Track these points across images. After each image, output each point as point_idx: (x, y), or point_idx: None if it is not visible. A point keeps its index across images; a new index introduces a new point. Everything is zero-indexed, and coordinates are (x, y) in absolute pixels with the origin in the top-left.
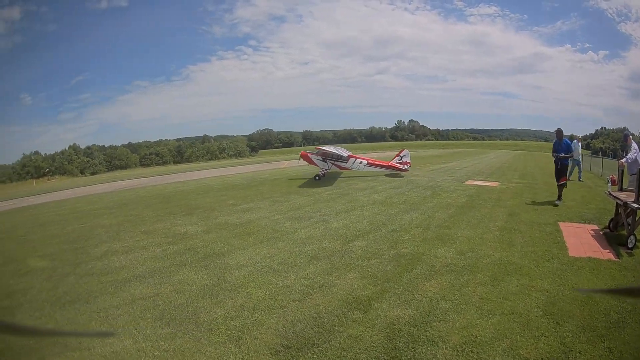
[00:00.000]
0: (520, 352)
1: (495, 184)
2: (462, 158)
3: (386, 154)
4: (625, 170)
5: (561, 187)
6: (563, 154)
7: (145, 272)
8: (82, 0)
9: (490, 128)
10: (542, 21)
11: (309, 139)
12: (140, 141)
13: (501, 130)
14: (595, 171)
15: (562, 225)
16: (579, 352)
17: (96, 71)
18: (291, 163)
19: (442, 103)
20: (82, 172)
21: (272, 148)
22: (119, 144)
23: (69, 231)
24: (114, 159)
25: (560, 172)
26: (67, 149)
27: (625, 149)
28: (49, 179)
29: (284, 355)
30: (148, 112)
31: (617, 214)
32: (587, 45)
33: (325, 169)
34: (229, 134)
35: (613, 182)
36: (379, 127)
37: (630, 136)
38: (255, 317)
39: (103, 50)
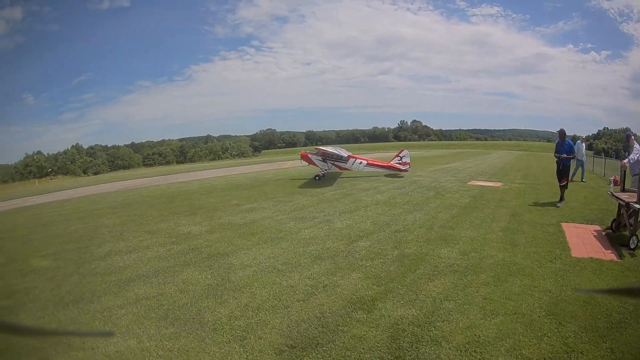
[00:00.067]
0: (523, 352)
1: (498, 184)
2: (465, 158)
3: (388, 154)
4: (628, 171)
5: (563, 188)
6: (565, 155)
7: (149, 271)
8: (84, 1)
9: (493, 128)
10: (544, 21)
11: (312, 139)
12: (143, 141)
13: (504, 130)
14: (597, 172)
15: (564, 225)
16: (581, 353)
17: (98, 71)
18: (294, 163)
19: (445, 103)
20: (84, 172)
21: (275, 148)
22: (121, 144)
23: (72, 231)
24: (116, 159)
25: (562, 173)
26: (69, 148)
27: (628, 149)
28: (51, 179)
29: (289, 355)
30: (151, 112)
31: (619, 214)
32: (589, 45)
33: (325, 169)
34: (232, 134)
35: (615, 183)
36: (382, 128)
37: (633, 137)
38: (260, 317)
39: (105, 50)
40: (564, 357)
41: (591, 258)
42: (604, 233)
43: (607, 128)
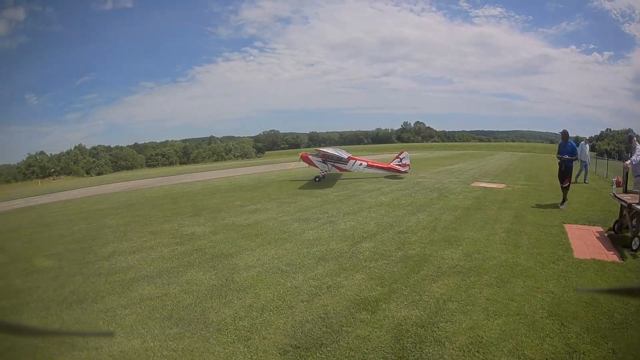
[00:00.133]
0: (526, 352)
1: (502, 185)
2: (468, 160)
3: (391, 156)
4: (630, 172)
5: (566, 189)
6: (567, 156)
7: (153, 272)
8: (87, 1)
9: (496, 130)
10: (547, 22)
11: (315, 140)
12: (146, 142)
13: (507, 132)
14: (600, 173)
15: (567, 227)
16: (583, 353)
17: (102, 72)
18: (298, 164)
19: (448, 105)
20: (87, 173)
21: (278, 149)
22: (124, 145)
23: (76, 231)
24: (119, 160)
25: (565, 174)
26: (72, 149)
27: (630, 150)
28: (54, 179)
29: (293, 355)
30: (154, 113)
31: (621, 215)
32: (592, 46)
33: (325, 171)
34: (235, 135)
35: (618, 184)
36: (385, 129)
37: (635, 138)
38: (264, 318)
39: (109, 51)
40: (566, 358)
41: (593, 259)
42: (606, 234)
43: (610, 129)
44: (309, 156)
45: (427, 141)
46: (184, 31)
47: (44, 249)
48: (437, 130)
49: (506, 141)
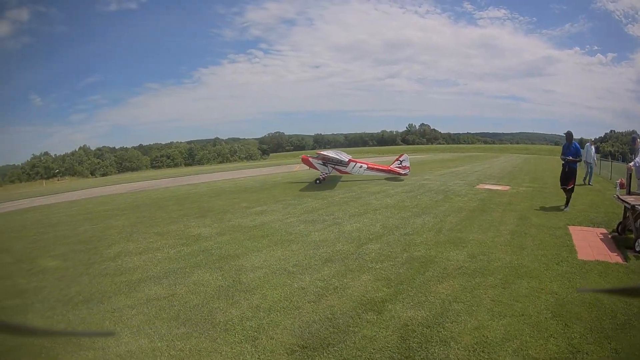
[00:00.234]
0: (530, 352)
1: (506, 187)
2: (473, 162)
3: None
4: (634, 174)
5: (570, 191)
6: (571, 157)
7: (160, 273)
8: (92, 3)
9: (501, 132)
10: (551, 24)
11: (321, 142)
12: (151, 143)
13: (512, 134)
14: (604, 175)
15: (571, 228)
16: (587, 353)
17: (106, 73)
18: (303, 166)
19: (453, 107)
20: (92, 174)
21: (283, 151)
22: (129, 146)
23: (81, 232)
24: (124, 161)
25: (569, 175)
26: (77, 150)
27: (634, 152)
28: (58, 180)
29: (300, 355)
30: (159, 115)
31: (625, 217)
32: (596, 47)
33: (326, 173)
34: (240, 137)
35: (621, 186)
36: (391, 131)
37: (638, 139)
38: (271, 318)
39: (113, 52)
40: (570, 358)
41: (597, 261)
42: (610, 236)
43: (614, 131)
44: (310, 159)
45: (432, 143)
46: (188, 33)
47: (49, 250)
48: (442, 132)
49: (511, 143)
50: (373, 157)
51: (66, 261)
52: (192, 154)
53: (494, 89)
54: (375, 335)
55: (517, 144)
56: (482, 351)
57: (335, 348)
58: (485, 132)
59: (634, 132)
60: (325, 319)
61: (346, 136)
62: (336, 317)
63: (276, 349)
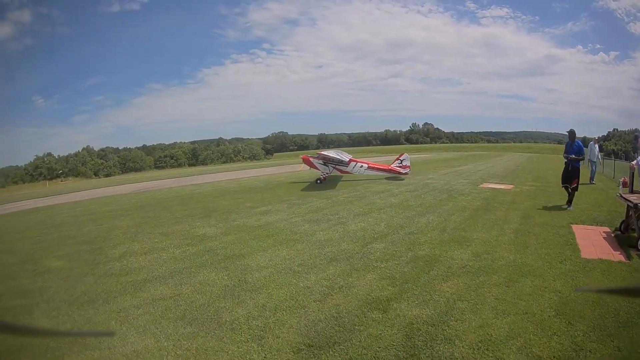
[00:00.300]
0: (534, 350)
1: (510, 186)
2: (476, 161)
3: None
4: (636, 173)
5: (573, 190)
6: (574, 156)
7: (165, 273)
8: (95, 4)
9: (504, 131)
10: (553, 22)
11: (324, 142)
12: (155, 144)
13: (515, 132)
14: (607, 173)
15: (574, 227)
16: (589, 351)
17: (109, 74)
18: (307, 166)
19: (456, 106)
20: (95, 174)
21: (287, 151)
22: (133, 147)
23: (85, 232)
24: (128, 161)
25: (572, 174)
26: (80, 150)
27: (637, 150)
28: (62, 181)
29: (306, 354)
30: (162, 115)
31: (628, 216)
32: (598, 46)
33: (327, 173)
34: (244, 137)
35: (624, 185)
36: (394, 130)
37: None
38: (277, 317)
39: (115, 53)
40: (573, 355)
41: (600, 259)
42: (612, 234)
43: (617, 129)
44: (310, 158)
45: (435, 142)
46: (191, 33)
47: (54, 250)
48: (445, 131)
49: (514, 142)
50: (375, 156)
51: (71, 261)
52: (196, 154)
53: (497, 88)
54: (380, 334)
55: (521, 142)
56: (487, 349)
57: (341, 346)
58: (489, 131)
59: (636, 130)
60: (331, 317)
61: (350, 136)
62: (342, 316)
63: (282, 347)
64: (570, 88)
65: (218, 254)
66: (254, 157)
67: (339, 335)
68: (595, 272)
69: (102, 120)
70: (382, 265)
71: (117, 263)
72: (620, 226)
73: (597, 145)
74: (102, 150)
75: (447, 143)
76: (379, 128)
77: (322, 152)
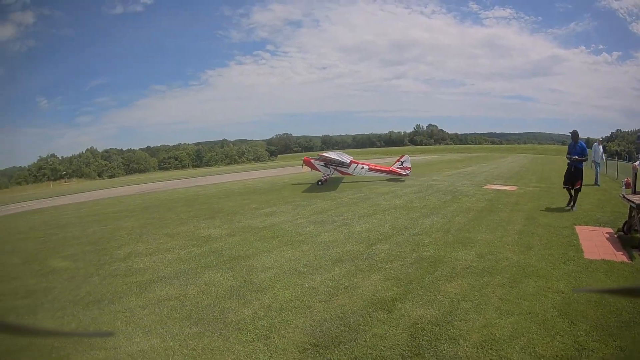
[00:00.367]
0: (537, 349)
1: (514, 188)
2: (480, 162)
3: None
4: (639, 174)
5: (576, 192)
6: (577, 157)
7: (171, 273)
8: (98, 5)
9: (508, 132)
10: (556, 23)
11: (328, 143)
12: (159, 145)
13: (519, 134)
14: (610, 174)
15: (578, 228)
16: (592, 350)
17: (112, 75)
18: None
19: (460, 107)
20: (99, 175)
21: (291, 152)
22: (137, 148)
23: (90, 233)
24: (132, 163)
25: (575, 175)
26: (84, 152)
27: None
28: (65, 182)
29: (312, 353)
30: (165, 116)
31: (630, 217)
32: (601, 46)
33: (328, 174)
34: (248, 139)
35: (627, 185)
36: (398, 132)
37: None
38: (283, 317)
39: (119, 54)
40: (575, 355)
41: (603, 260)
42: (615, 235)
43: (620, 130)
44: (311, 160)
45: (439, 144)
46: (194, 35)
47: (59, 250)
48: (449, 133)
49: (518, 143)
50: (379, 158)
51: (76, 262)
52: (200, 156)
53: (500, 89)
54: (385, 334)
55: (525, 144)
56: (490, 348)
57: (347, 346)
58: (493, 132)
59: (639, 131)
60: (336, 317)
61: (354, 137)
62: (347, 316)
63: (288, 347)
64: (574, 89)
65: (223, 255)
66: (258, 159)
67: (345, 335)
68: (598, 272)
69: (106, 122)
70: (387, 266)
71: (122, 264)
72: (623, 227)
73: (601, 147)
74: (106, 151)
75: (451, 144)
76: (382, 129)
77: (323, 154)
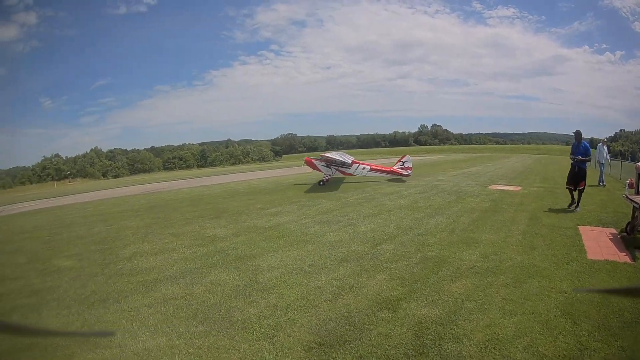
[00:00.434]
0: (540, 349)
1: (518, 188)
2: (485, 162)
3: (415, 159)
4: None
5: (580, 192)
6: (580, 157)
7: (176, 273)
8: (102, 6)
9: (512, 132)
10: (560, 22)
11: (333, 143)
12: (163, 145)
13: (523, 134)
14: (614, 175)
15: (581, 229)
16: (594, 350)
17: (116, 76)
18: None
19: (464, 107)
20: (104, 175)
21: (296, 152)
22: (141, 148)
23: (95, 232)
24: (136, 163)
25: (579, 175)
26: (88, 152)
27: None
28: (70, 182)
29: (317, 352)
30: (169, 117)
31: (634, 217)
32: (604, 46)
33: (329, 175)
34: (253, 139)
35: (630, 186)
36: (403, 132)
37: None
38: (288, 316)
39: (123, 55)
40: (578, 355)
41: (606, 260)
42: (619, 236)
43: (624, 130)
44: (313, 160)
45: (444, 144)
46: (199, 35)
47: (64, 250)
48: (454, 133)
49: (522, 143)
50: (384, 158)
51: (81, 261)
52: (205, 156)
53: (504, 89)
54: (390, 333)
55: (529, 144)
56: (494, 348)
57: (352, 345)
58: (497, 132)
59: None
60: (341, 317)
61: (358, 137)
62: (352, 315)
63: (294, 346)
64: (578, 88)
65: (229, 255)
66: (262, 159)
67: (350, 334)
68: (600, 273)
69: (110, 122)
70: (392, 266)
71: (127, 263)
72: (626, 227)
73: (605, 147)
74: (111, 151)
75: (455, 144)
76: (387, 129)
77: (325, 154)
